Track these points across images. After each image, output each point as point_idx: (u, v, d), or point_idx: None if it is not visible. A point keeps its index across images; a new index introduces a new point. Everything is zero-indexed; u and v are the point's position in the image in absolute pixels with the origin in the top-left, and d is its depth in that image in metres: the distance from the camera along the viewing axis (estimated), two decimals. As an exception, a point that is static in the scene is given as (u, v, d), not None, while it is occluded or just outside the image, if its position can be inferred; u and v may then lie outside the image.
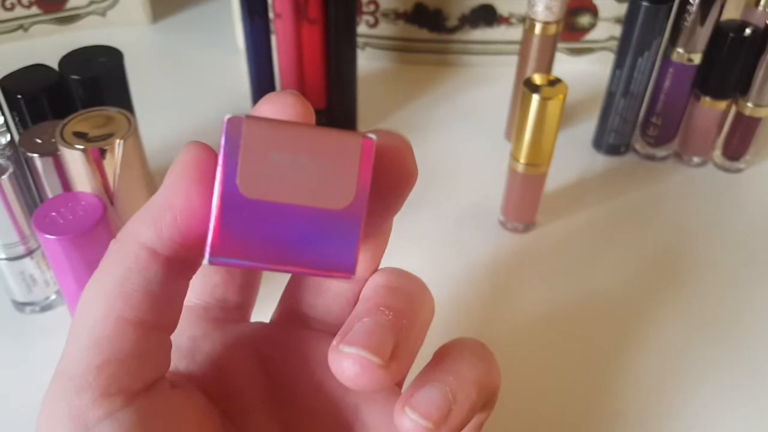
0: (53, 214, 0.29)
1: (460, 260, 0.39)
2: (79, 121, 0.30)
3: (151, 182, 0.36)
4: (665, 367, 0.34)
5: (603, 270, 0.39)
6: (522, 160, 0.38)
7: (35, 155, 0.31)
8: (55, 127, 0.31)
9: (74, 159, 0.29)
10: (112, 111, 0.31)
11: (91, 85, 0.33)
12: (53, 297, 0.36)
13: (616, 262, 0.39)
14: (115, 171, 0.30)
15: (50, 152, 0.31)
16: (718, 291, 0.38)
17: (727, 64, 0.42)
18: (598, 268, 0.39)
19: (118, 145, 0.29)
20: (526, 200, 0.40)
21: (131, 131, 0.30)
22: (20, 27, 0.55)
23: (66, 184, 0.32)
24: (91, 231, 0.28)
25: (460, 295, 0.37)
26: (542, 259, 0.40)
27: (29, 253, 0.33)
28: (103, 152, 0.29)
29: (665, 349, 0.35)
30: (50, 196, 0.32)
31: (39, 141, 0.31)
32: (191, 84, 0.53)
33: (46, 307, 0.36)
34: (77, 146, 0.29)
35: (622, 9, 0.43)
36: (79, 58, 0.34)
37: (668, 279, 0.39)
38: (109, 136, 0.29)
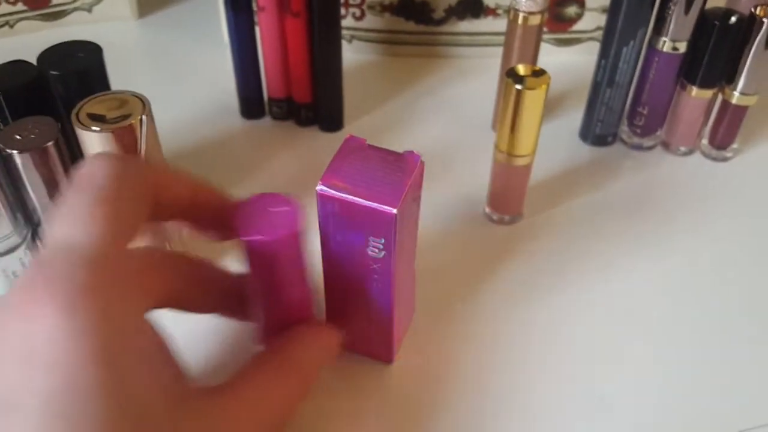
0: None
1: (445, 252, 0.39)
2: (92, 105, 0.30)
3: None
4: (666, 361, 0.34)
5: (591, 261, 0.39)
6: (506, 150, 0.38)
7: (14, 152, 0.31)
8: (34, 124, 0.31)
9: (102, 142, 0.29)
10: (126, 94, 0.31)
11: (70, 81, 0.33)
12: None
13: (603, 254, 0.39)
14: (140, 149, 0.30)
15: (30, 148, 0.31)
16: (706, 279, 0.38)
17: (713, 53, 0.42)
18: (586, 260, 0.39)
19: (142, 121, 0.30)
20: (511, 192, 0.40)
21: (147, 109, 0.30)
22: (6, 24, 0.55)
23: (48, 181, 0.32)
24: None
25: (445, 288, 0.37)
26: (529, 251, 0.39)
27: (11, 250, 0.33)
28: (125, 132, 0.29)
29: (663, 338, 0.35)
30: (31, 193, 0.32)
31: (18, 137, 0.31)
32: (177, 79, 0.52)
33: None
34: (103, 127, 0.29)
35: (608, -2, 0.42)
36: (59, 54, 0.34)
37: (656, 268, 0.39)
38: (126, 116, 0.30)
